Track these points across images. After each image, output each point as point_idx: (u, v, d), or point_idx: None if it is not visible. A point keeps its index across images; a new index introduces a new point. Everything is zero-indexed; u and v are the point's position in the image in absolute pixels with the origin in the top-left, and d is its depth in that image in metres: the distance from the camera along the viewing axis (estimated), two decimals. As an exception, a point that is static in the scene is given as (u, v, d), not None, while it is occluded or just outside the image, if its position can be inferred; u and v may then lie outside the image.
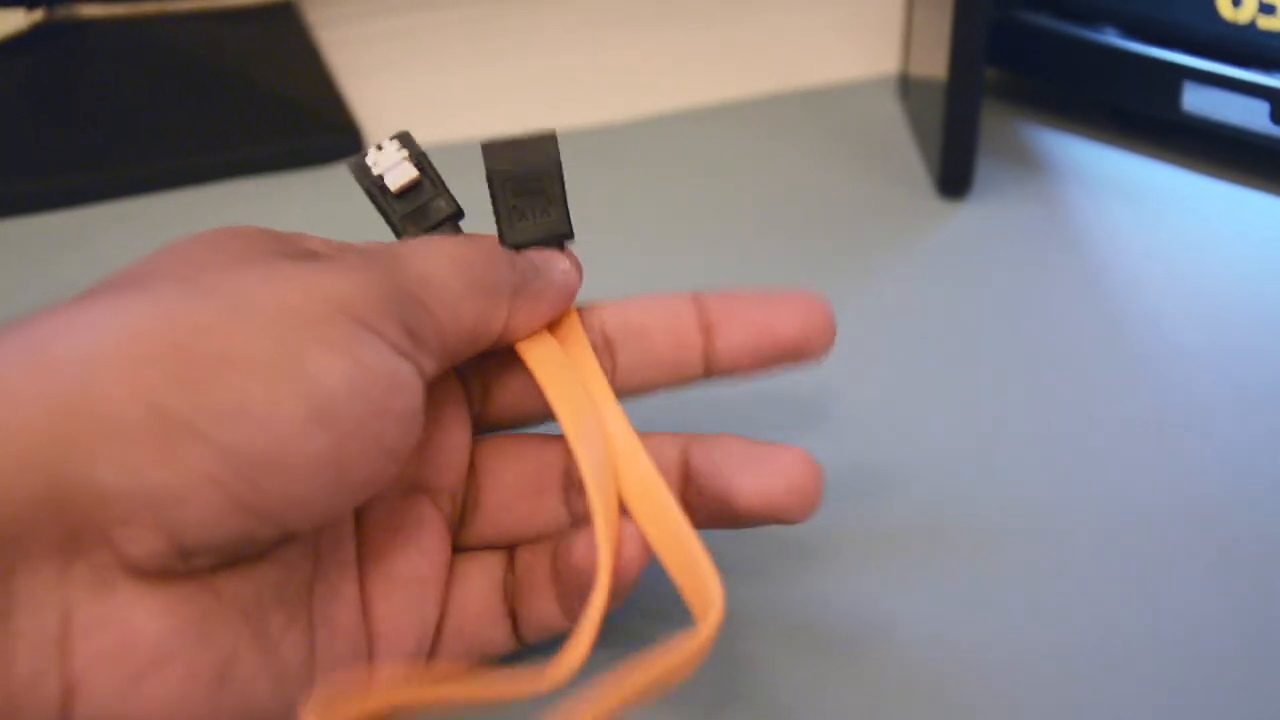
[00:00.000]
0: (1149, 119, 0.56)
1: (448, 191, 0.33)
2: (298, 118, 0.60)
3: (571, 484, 0.33)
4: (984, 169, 0.55)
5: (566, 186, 0.34)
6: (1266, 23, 0.51)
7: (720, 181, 0.56)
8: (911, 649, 0.35)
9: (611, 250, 0.45)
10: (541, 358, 0.32)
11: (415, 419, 0.28)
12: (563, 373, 0.32)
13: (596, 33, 0.69)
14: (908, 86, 0.60)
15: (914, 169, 0.56)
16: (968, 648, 0.35)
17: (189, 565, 0.26)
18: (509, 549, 0.33)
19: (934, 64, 0.52)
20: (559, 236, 0.33)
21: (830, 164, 0.56)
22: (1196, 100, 0.53)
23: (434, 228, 0.33)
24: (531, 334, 0.32)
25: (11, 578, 0.24)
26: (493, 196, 0.33)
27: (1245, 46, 0.52)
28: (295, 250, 0.30)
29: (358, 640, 0.29)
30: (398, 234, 0.33)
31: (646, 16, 0.71)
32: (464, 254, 0.30)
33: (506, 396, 0.34)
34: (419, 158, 0.33)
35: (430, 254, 0.30)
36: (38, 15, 0.64)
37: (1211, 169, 0.55)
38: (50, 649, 0.24)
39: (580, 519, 0.33)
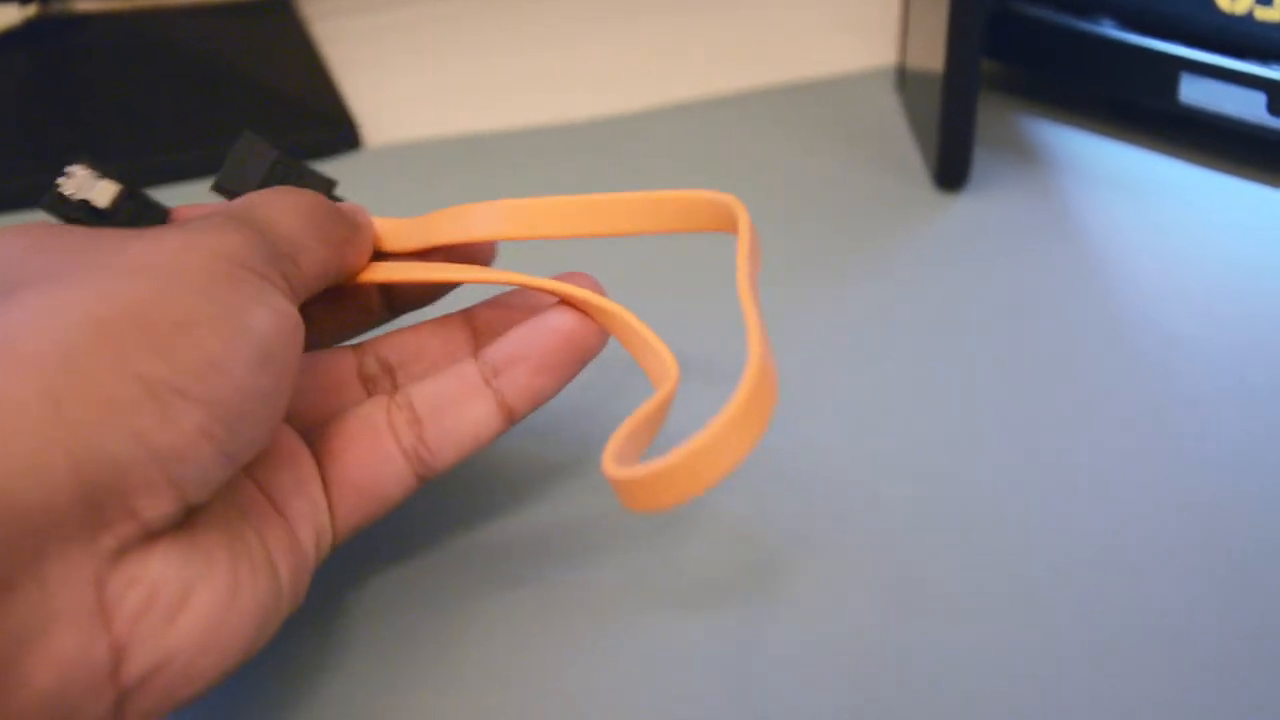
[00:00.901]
0: (1146, 110, 0.56)
1: (145, 195, 0.35)
2: (293, 112, 0.60)
3: (365, 375, 0.36)
4: (981, 161, 0.55)
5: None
6: (1264, 14, 0.51)
7: (717, 174, 0.56)
8: (903, 647, 0.35)
9: (609, 243, 0.45)
10: (394, 269, 0.36)
11: (301, 350, 0.31)
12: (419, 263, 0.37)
13: (593, 26, 0.69)
14: (905, 78, 0.60)
15: (911, 161, 0.56)
16: (960, 642, 0.35)
17: (188, 516, 0.28)
18: (389, 395, 0.35)
19: (931, 56, 0.52)
20: (331, 188, 0.37)
21: (827, 156, 0.56)
22: (1194, 92, 0.53)
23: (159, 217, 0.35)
24: (361, 270, 0.36)
25: (44, 562, 0.25)
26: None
27: (1242, 38, 0.52)
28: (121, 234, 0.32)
29: (288, 530, 0.32)
30: None
31: (643, 9, 0.70)
32: (306, 206, 0.33)
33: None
34: (106, 171, 0.34)
35: (279, 211, 0.33)
36: (32, 10, 0.64)
37: (1209, 160, 0.55)
38: (91, 621, 0.26)
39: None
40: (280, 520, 0.32)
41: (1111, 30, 0.55)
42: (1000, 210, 0.52)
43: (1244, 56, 0.52)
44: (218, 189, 0.36)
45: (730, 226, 0.36)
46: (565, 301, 0.36)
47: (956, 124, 0.52)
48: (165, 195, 0.54)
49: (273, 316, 0.29)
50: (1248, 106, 0.51)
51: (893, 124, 0.59)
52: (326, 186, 0.37)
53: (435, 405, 0.35)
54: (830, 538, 0.38)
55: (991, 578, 0.36)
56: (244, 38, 0.66)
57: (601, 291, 0.36)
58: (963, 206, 0.53)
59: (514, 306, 0.37)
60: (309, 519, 0.33)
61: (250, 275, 0.30)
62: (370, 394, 0.36)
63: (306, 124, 0.59)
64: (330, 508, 0.34)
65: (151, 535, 0.27)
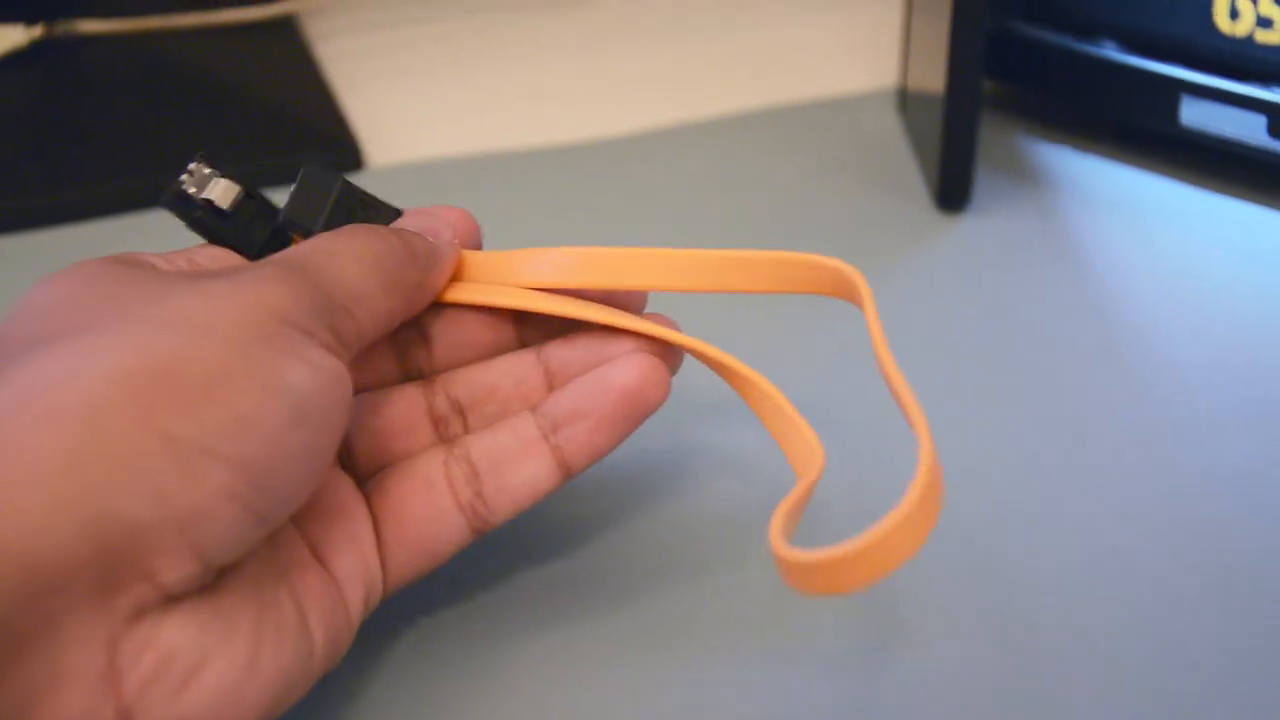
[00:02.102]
0: (1147, 132, 0.56)
1: (262, 195, 0.35)
2: (297, 133, 0.60)
3: (435, 416, 0.35)
4: (982, 182, 0.55)
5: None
6: (1264, 36, 0.52)
7: (718, 195, 0.56)
8: (899, 666, 0.35)
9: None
10: (474, 293, 0.35)
11: (351, 405, 0.31)
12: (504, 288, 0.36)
13: (594, 46, 0.69)
14: (906, 99, 0.60)
15: (912, 182, 0.56)
16: (958, 667, 0.35)
17: (212, 578, 0.28)
18: (446, 447, 0.35)
19: (932, 77, 0.52)
20: (395, 216, 0.36)
21: (828, 177, 0.57)
22: (1194, 114, 0.53)
23: (276, 235, 0.35)
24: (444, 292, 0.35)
25: (56, 621, 0.25)
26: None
27: (1243, 60, 0.53)
28: (184, 269, 0.32)
29: (332, 591, 0.31)
30: (254, 255, 0.34)
31: (644, 30, 0.71)
32: (376, 254, 0.32)
33: (446, 340, 0.36)
34: (225, 171, 0.35)
35: (344, 259, 0.32)
36: (37, 31, 0.64)
37: (1210, 183, 0.55)
38: (100, 684, 0.26)
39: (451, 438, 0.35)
40: (325, 578, 0.31)
41: (1112, 52, 0.55)
42: (1001, 232, 0.52)
43: (1245, 79, 0.52)
44: (287, 225, 0.35)
45: (844, 294, 0.36)
46: (695, 352, 0.36)
47: (957, 145, 0.52)
48: (168, 216, 0.54)
49: (310, 373, 0.28)
50: (1248, 129, 0.52)
51: (894, 145, 0.59)
52: (391, 215, 0.36)
53: (494, 461, 0.34)
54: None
55: (983, 599, 0.36)
56: (248, 58, 0.66)
57: (676, 328, 0.36)
58: (964, 228, 0.53)
59: (589, 344, 0.36)
60: (360, 576, 0.32)
61: (289, 329, 0.29)
62: (440, 435, 0.35)
63: (310, 144, 0.59)
64: (383, 561, 0.33)
65: (171, 599, 0.27)
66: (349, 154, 0.58)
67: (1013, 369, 0.45)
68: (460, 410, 0.35)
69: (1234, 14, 0.52)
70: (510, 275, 0.36)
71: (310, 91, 0.64)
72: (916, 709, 0.34)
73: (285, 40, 0.68)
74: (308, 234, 0.34)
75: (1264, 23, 0.51)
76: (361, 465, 0.35)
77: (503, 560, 0.38)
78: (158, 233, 0.53)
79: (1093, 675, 0.34)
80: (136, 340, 0.27)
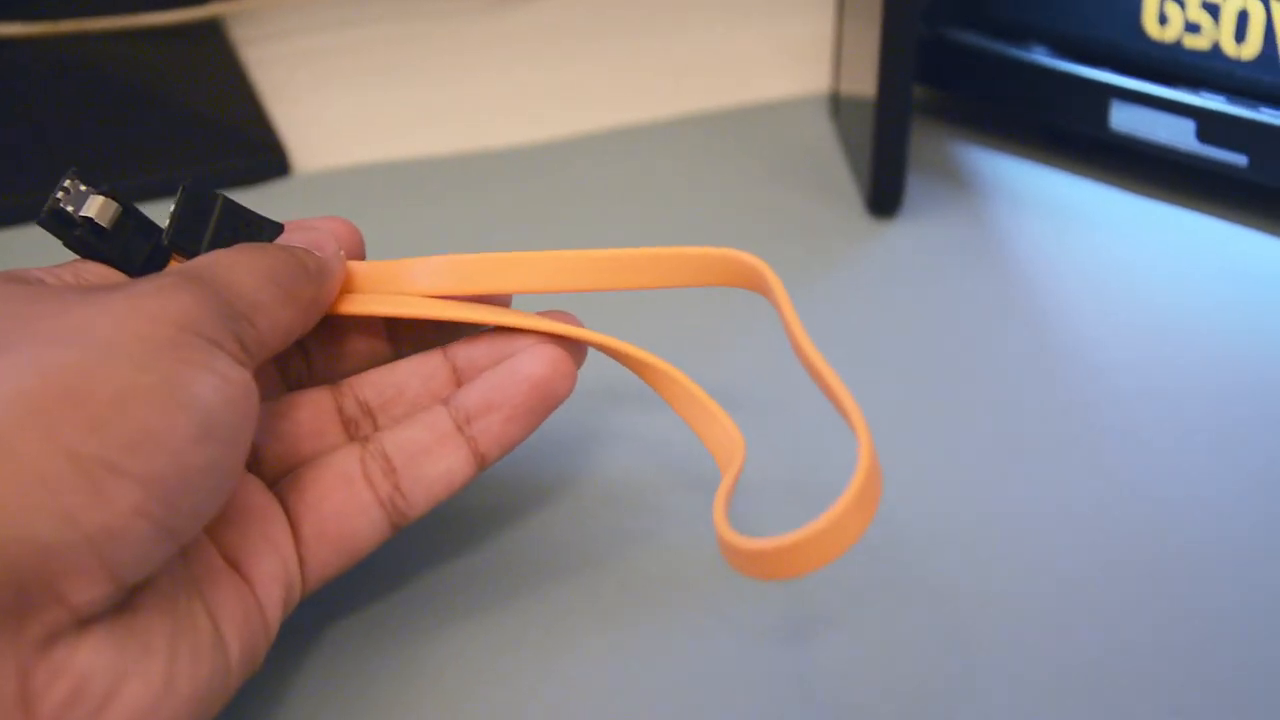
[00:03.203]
0: (1078, 137, 0.56)
1: (139, 211, 0.34)
2: (223, 138, 0.59)
3: (345, 418, 0.36)
4: (914, 187, 0.55)
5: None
6: (1192, 41, 0.52)
7: (649, 200, 0.55)
8: (828, 676, 0.34)
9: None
10: (366, 304, 0.35)
11: (258, 415, 0.30)
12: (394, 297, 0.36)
13: (525, 52, 0.69)
14: (839, 105, 0.60)
15: (845, 188, 0.56)
16: (886, 675, 0.34)
17: (125, 596, 0.27)
18: (360, 443, 0.35)
19: (864, 82, 0.52)
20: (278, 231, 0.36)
21: (760, 183, 0.56)
22: (1124, 119, 0.53)
23: (155, 253, 0.34)
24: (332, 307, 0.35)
25: None
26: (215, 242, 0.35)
27: (1172, 65, 0.53)
28: (72, 284, 0.31)
29: (246, 599, 0.31)
30: (135, 273, 0.34)
31: (575, 35, 0.70)
32: (269, 267, 0.32)
33: (323, 351, 0.37)
34: (101, 188, 0.34)
35: (240, 271, 0.31)
36: (-46, 34, 0.63)
37: (1140, 187, 0.55)
38: (13, 711, 0.25)
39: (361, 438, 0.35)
40: (239, 586, 0.31)
41: (1043, 57, 0.55)
42: (933, 236, 0.52)
43: (1173, 84, 0.52)
44: (172, 246, 0.34)
45: (751, 285, 0.36)
46: (613, 352, 0.37)
47: (889, 150, 0.52)
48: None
49: (219, 384, 0.28)
50: (1177, 134, 0.52)
51: (827, 150, 0.59)
52: (274, 231, 0.36)
53: (410, 454, 0.34)
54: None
55: (912, 605, 0.36)
56: (172, 62, 0.65)
57: (577, 323, 0.36)
58: (896, 233, 0.53)
59: (493, 341, 0.36)
60: (278, 579, 0.32)
61: (197, 340, 0.28)
62: (350, 436, 0.35)
63: (235, 150, 0.58)
64: (302, 561, 0.33)
65: (84, 621, 0.26)
66: (275, 160, 0.57)
67: (944, 373, 0.45)
68: (369, 412, 0.36)
69: (1162, 19, 0.52)
70: (395, 285, 0.36)
71: (236, 97, 0.63)
72: (845, 681, 0.34)
73: (210, 44, 0.67)
74: (191, 255, 0.34)
75: (1192, 28, 0.52)
76: (270, 468, 0.34)
77: (422, 554, 0.38)
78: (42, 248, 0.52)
79: (1021, 679, 0.34)
80: (37, 359, 0.26)
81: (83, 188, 0.33)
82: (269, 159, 0.58)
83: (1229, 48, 0.51)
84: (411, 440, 0.34)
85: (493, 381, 0.35)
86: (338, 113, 0.63)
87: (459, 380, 0.36)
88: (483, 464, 0.35)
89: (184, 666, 0.28)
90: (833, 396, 0.32)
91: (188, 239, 0.34)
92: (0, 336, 0.27)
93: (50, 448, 0.25)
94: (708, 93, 0.64)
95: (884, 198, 0.53)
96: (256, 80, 0.65)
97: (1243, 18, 0.50)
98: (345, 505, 0.33)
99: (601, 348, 0.36)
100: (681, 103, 0.63)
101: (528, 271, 0.36)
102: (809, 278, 0.50)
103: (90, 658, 0.26)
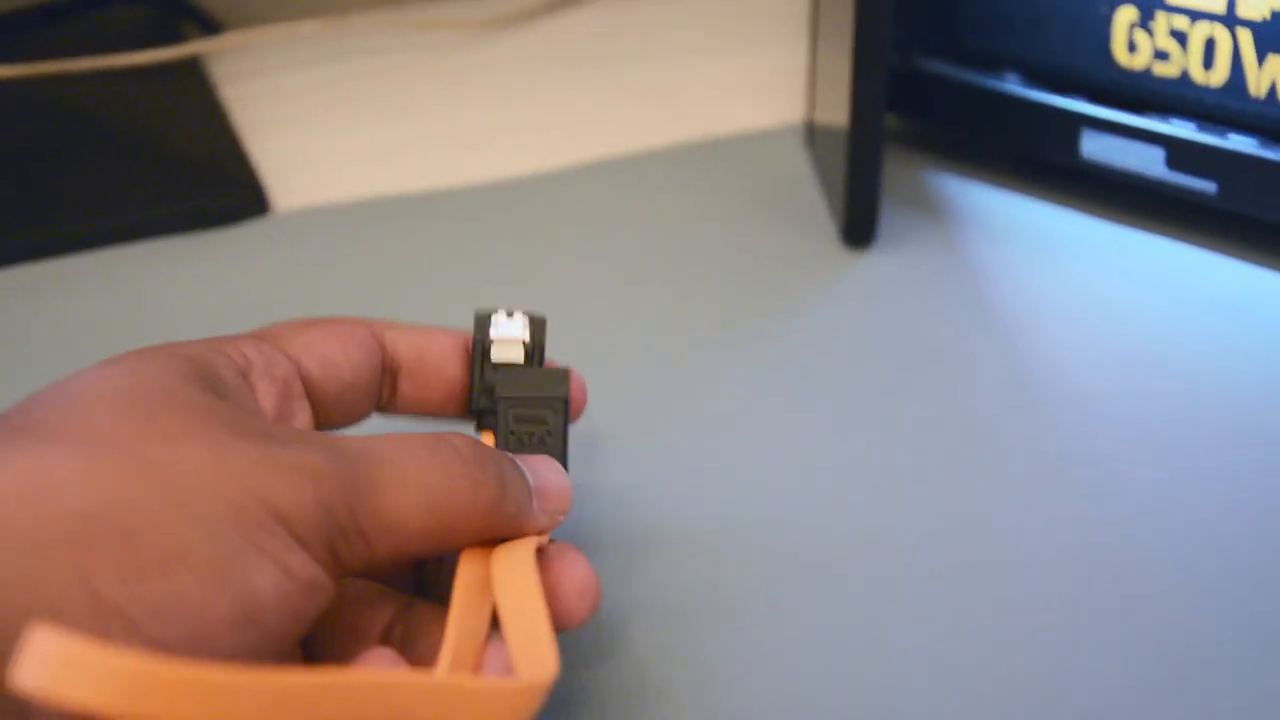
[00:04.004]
0: (1049, 165, 0.57)
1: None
2: (202, 176, 0.59)
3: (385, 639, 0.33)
4: (888, 217, 0.55)
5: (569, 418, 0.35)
6: (1161, 69, 0.52)
7: (625, 233, 0.56)
8: (804, 708, 0.34)
9: (514, 303, 0.45)
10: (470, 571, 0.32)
11: (321, 615, 0.28)
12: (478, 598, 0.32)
13: (500, 87, 0.69)
14: (814, 135, 0.60)
15: (819, 218, 0.56)
16: (859, 700, 0.35)
17: None
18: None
19: (838, 112, 0.53)
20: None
21: (735, 214, 0.57)
22: (1095, 147, 0.53)
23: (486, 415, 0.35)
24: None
25: None
26: (496, 417, 0.35)
27: (1141, 93, 0.53)
28: (235, 409, 0.29)
29: None
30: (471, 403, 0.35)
31: (551, 70, 0.71)
32: (452, 502, 0.30)
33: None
34: (535, 345, 0.35)
35: (403, 483, 0.29)
36: (-66, 76, 0.63)
37: (1111, 214, 0.55)
38: None
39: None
40: None
41: (1014, 86, 0.56)
42: (907, 266, 0.53)
43: (1143, 112, 0.53)
44: (497, 377, 0.35)
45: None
46: None
47: (862, 181, 0.52)
48: (68, 266, 0.53)
49: (280, 578, 0.27)
50: (1147, 161, 0.52)
51: (802, 180, 0.59)
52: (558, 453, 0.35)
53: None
54: (733, 593, 0.38)
55: (889, 634, 0.36)
56: (151, 101, 0.66)
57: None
58: (870, 263, 0.53)
59: None
60: None
61: (281, 532, 0.27)
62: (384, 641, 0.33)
63: (214, 188, 0.58)
64: None
65: None
66: (254, 198, 0.58)
67: (917, 404, 0.45)
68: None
69: (1132, 47, 0.53)
70: None
71: (215, 135, 0.63)
72: None
73: (189, 83, 0.68)
74: (497, 393, 0.34)
75: (1161, 55, 0.52)
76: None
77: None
78: (55, 286, 0.52)
79: (994, 709, 0.34)
80: (112, 484, 0.26)
81: (524, 327, 0.35)
82: (248, 197, 0.58)
83: (1198, 75, 0.52)
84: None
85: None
86: (317, 150, 0.63)
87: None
88: None
89: None
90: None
91: (505, 394, 0.35)
92: (71, 426, 0.26)
93: (75, 580, 0.24)
94: (682, 124, 0.64)
95: (858, 228, 0.53)
96: (235, 118, 0.65)
97: (1210, 45, 0.51)
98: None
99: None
100: (656, 134, 0.63)
101: None
102: (783, 309, 0.50)
103: None
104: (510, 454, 0.33)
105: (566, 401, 0.35)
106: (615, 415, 0.44)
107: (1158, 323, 0.49)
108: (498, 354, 0.35)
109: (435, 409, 0.36)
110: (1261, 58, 0.50)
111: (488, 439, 0.35)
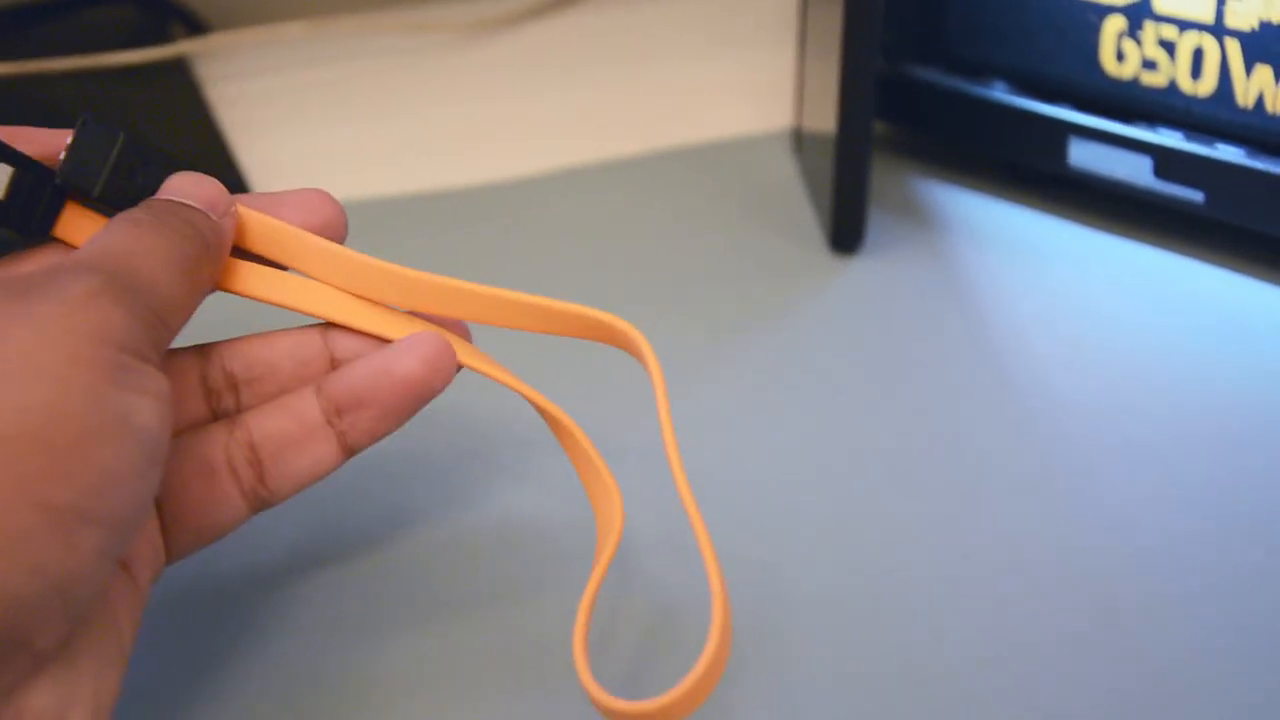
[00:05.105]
0: (1037, 173, 0.57)
1: (31, 162, 0.33)
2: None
3: (209, 388, 0.35)
4: (876, 224, 0.55)
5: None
6: (1149, 78, 0.52)
7: (611, 238, 0.55)
8: (785, 714, 0.34)
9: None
10: (253, 283, 0.35)
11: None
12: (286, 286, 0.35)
13: (486, 91, 0.69)
14: (801, 141, 0.60)
15: (807, 224, 0.56)
16: (838, 708, 0.34)
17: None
18: (225, 426, 0.34)
19: (825, 118, 0.53)
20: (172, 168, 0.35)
21: (723, 220, 0.57)
22: (1082, 155, 0.53)
23: (54, 195, 0.33)
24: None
25: None
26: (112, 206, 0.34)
27: (1129, 102, 0.53)
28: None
29: (133, 590, 0.31)
30: (33, 228, 0.33)
31: (537, 74, 0.70)
32: (183, 256, 0.31)
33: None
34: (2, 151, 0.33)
35: (160, 266, 0.31)
36: (-83, 74, 0.63)
37: (1098, 222, 0.55)
38: None
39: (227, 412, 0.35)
40: (127, 579, 0.31)
41: (1002, 94, 0.56)
42: (894, 273, 0.53)
43: (1131, 120, 0.53)
44: (66, 185, 0.33)
45: (630, 352, 0.36)
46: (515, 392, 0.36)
47: (849, 187, 0.52)
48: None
49: (155, 407, 0.28)
50: (1134, 170, 0.52)
51: (789, 187, 0.59)
52: (167, 171, 0.34)
53: (277, 445, 0.34)
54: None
55: (872, 645, 0.36)
56: (138, 101, 0.65)
57: (469, 337, 0.36)
58: (857, 270, 0.53)
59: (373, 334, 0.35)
60: (149, 563, 0.32)
61: (132, 361, 0.28)
62: (212, 408, 0.35)
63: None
64: (165, 543, 0.33)
65: (39, 664, 0.26)
66: (239, 199, 0.57)
67: (904, 411, 0.45)
68: (235, 385, 0.35)
69: (1120, 56, 0.53)
70: (282, 249, 0.35)
71: (201, 136, 0.63)
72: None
73: (176, 83, 0.67)
74: (85, 194, 0.33)
75: (1149, 65, 0.52)
76: None
77: (286, 556, 0.39)
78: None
79: (969, 708, 0.34)
80: (4, 398, 0.26)
81: None
82: (233, 198, 0.57)
83: (1185, 84, 0.52)
84: (279, 431, 0.34)
85: (365, 374, 0.34)
86: (303, 151, 0.63)
87: (334, 363, 0.35)
88: (351, 453, 0.35)
89: (107, 682, 0.28)
90: (692, 525, 0.33)
91: (83, 178, 0.33)
92: None
93: (24, 499, 0.25)
94: (669, 129, 0.64)
95: (845, 234, 0.53)
96: (221, 119, 0.65)
97: (1198, 55, 0.51)
98: (208, 495, 0.33)
99: (488, 375, 0.36)
100: (644, 139, 0.63)
101: (416, 290, 0.36)
102: (770, 315, 0.50)
103: (43, 699, 0.26)
104: (155, 200, 0.33)
105: (118, 131, 0.34)
106: (599, 420, 0.44)
107: (1144, 331, 0.49)
108: None
109: None
110: (1249, 68, 0.50)
111: (90, 220, 0.34)
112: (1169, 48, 0.51)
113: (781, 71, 0.66)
